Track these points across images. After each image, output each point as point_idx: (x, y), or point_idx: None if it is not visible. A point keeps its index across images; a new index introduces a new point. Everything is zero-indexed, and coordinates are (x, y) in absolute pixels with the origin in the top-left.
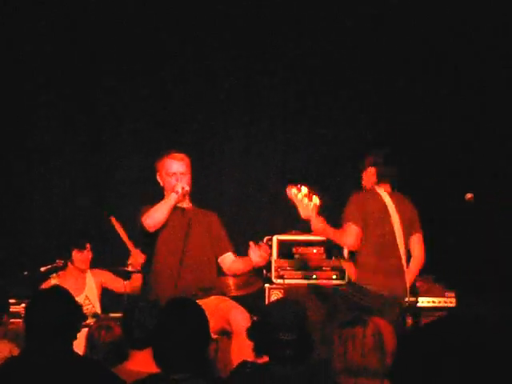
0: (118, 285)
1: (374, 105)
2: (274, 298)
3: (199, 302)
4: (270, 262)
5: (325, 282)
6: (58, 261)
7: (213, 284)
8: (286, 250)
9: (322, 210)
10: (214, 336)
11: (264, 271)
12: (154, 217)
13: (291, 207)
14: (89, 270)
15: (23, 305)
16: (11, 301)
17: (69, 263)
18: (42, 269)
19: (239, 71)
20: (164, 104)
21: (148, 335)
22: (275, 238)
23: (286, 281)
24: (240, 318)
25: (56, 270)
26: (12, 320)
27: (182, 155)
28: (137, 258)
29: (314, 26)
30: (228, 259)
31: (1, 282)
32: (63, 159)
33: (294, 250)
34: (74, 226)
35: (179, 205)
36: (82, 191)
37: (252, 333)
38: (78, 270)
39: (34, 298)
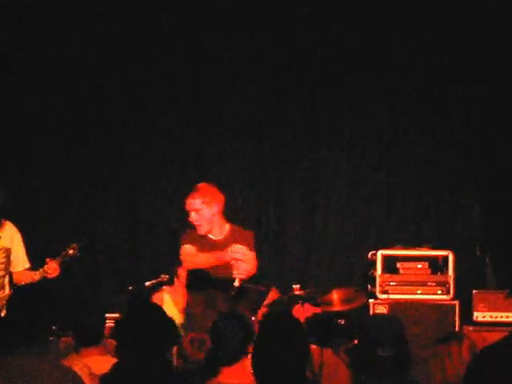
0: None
1: None
2: (378, 312)
3: None
4: (374, 277)
5: (429, 297)
6: (162, 276)
7: None
8: (390, 265)
9: None
10: None
11: (368, 286)
12: (195, 263)
13: (397, 221)
14: None
15: None
16: (116, 315)
17: (175, 279)
18: (147, 283)
19: None
20: None
21: (234, 351)
22: (379, 252)
23: (391, 296)
24: None
25: (161, 284)
26: None
27: (193, 192)
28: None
29: None
30: None
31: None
32: None
33: (398, 264)
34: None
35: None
36: None
37: (349, 349)
38: (182, 285)
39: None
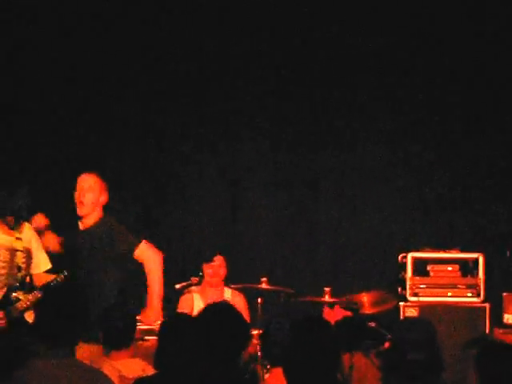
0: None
1: None
2: (408, 315)
3: None
4: (404, 280)
5: (459, 300)
6: (192, 278)
7: None
8: (420, 268)
9: None
10: None
11: (399, 289)
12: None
13: (426, 223)
14: (227, 289)
15: (158, 322)
16: None
17: (203, 279)
18: (177, 286)
19: None
20: None
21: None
22: (410, 255)
23: (421, 298)
24: None
25: (191, 287)
26: (147, 337)
27: (89, 172)
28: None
29: None
30: None
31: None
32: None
33: (428, 267)
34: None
35: None
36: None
37: (381, 352)
38: (213, 286)
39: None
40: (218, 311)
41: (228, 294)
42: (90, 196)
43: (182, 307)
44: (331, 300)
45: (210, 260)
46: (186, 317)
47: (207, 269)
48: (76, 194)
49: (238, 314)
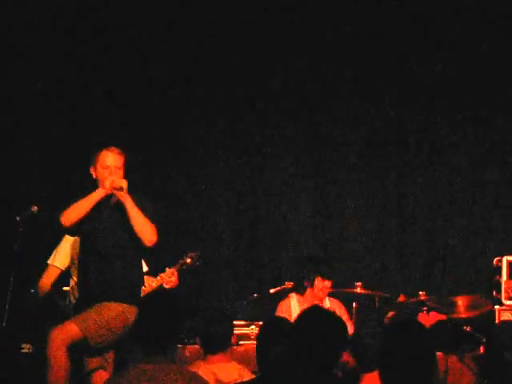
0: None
1: None
2: (504, 319)
3: None
4: (499, 283)
5: None
6: (286, 282)
7: None
8: None
9: None
10: None
11: (494, 292)
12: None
13: None
14: (327, 298)
15: (252, 327)
16: (240, 323)
17: (308, 288)
18: (272, 291)
19: None
20: None
21: (375, 357)
22: (505, 258)
23: None
24: None
25: (285, 292)
26: (241, 342)
27: (118, 150)
28: None
29: None
30: None
31: (227, 305)
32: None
33: None
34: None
35: None
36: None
37: (477, 356)
38: (316, 297)
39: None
40: (315, 315)
41: (327, 302)
42: (121, 174)
43: (281, 311)
44: (425, 304)
45: (328, 277)
46: (285, 321)
47: (321, 282)
48: (107, 172)
49: (336, 317)
